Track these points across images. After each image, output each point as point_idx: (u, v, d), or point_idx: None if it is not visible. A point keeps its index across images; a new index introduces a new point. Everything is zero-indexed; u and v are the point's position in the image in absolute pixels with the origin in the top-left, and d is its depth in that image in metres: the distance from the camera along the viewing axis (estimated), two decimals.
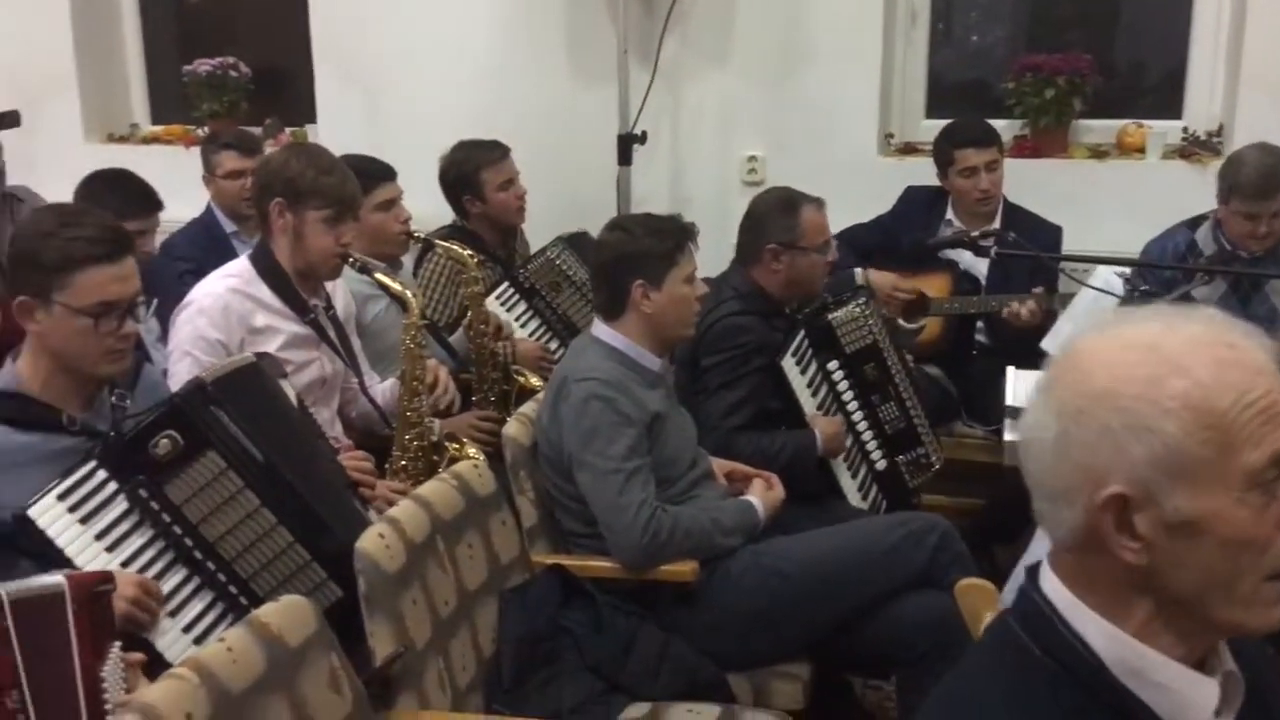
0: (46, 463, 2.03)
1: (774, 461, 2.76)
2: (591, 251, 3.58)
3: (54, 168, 4.28)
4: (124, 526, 2.06)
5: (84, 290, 2.01)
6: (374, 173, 3.15)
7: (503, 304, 3.55)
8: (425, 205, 3.65)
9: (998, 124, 3.88)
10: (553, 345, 3.59)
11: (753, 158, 4.27)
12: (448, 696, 2.05)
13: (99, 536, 2.03)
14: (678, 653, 2.33)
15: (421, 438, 2.75)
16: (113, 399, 2.18)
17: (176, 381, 2.48)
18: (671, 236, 2.60)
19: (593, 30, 4.22)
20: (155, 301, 2.59)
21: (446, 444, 2.79)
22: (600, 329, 2.59)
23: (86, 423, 2.11)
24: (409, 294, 2.78)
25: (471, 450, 2.80)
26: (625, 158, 4.06)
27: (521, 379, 3.31)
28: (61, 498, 2.02)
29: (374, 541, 1.98)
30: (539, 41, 4.37)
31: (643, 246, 2.57)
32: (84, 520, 2.03)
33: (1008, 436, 2.86)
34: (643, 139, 4.08)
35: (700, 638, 2.39)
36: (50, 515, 2.01)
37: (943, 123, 3.89)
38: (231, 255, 3.77)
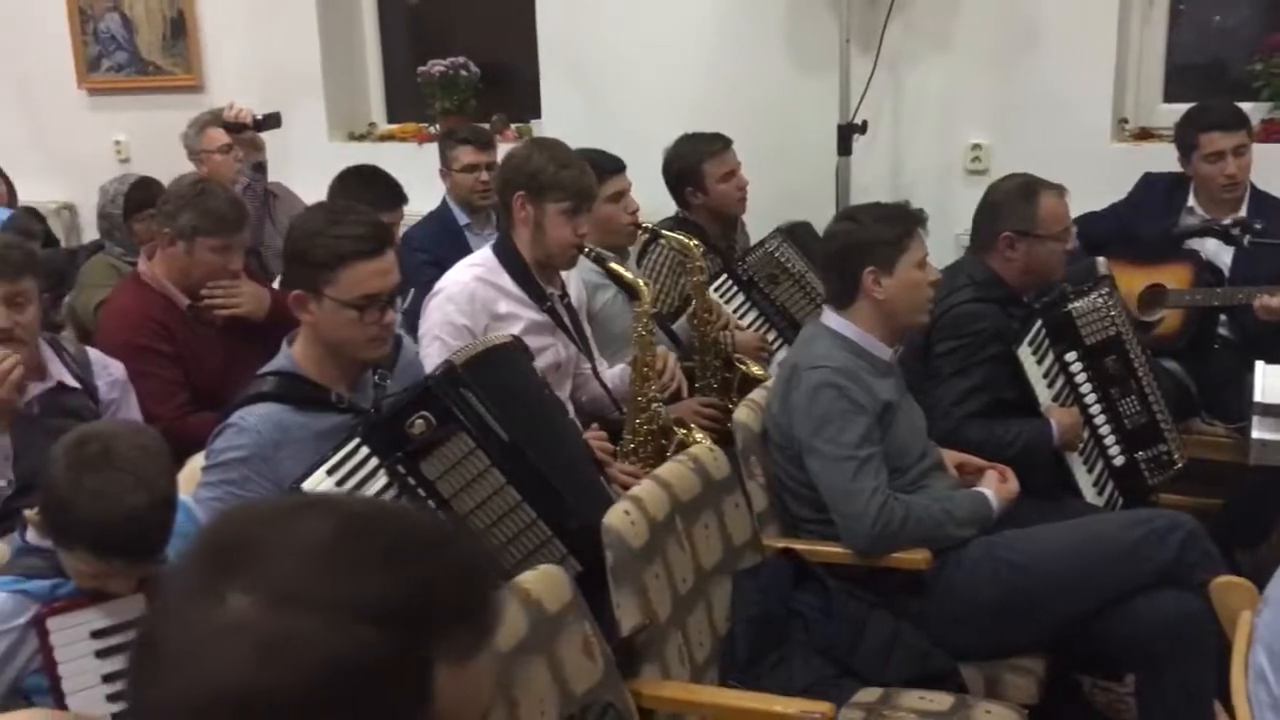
0: (319, 439, 2.20)
1: (1006, 450, 2.72)
2: (811, 242, 3.61)
3: (302, 164, 4.61)
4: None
5: (350, 284, 2.16)
6: (605, 165, 3.25)
7: (721, 296, 3.60)
8: (644, 198, 3.74)
9: (1243, 107, 3.69)
10: (770, 336, 3.63)
11: (977, 146, 4.19)
12: (686, 670, 2.12)
13: None
14: (909, 640, 2.34)
15: (651, 421, 2.84)
16: (375, 379, 2.34)
17: (427, 363, 2.64)
18: (901, 222, 2.60)
19: (814, 20, 4.23)
20: (412, 292, 2.74)
21: (675, 428, 2.86)
22: (831, 318, 2.61)
23: (352, 401, 2.27)
24: (641, 283, 2.87)
25: (699, 435, 2.87)
26: (845, 148, 4.05)
27: (743, 367, 3.36)
28: (330, 472, 2.17)
29: (620, 518, 2.07)
30: (759, 33, 4.40)
31: (872, 233, 2.58)
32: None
33: (1255, 434, 2.74)
34: (863, 128, 4.06)
35: (931, 626, 2.39)
36: (322, 488, 2.17)
37: (1181, 107, 3.72)
38: (465, 247, 3.96)
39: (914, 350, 2.87)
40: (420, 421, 2.21)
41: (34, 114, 5.85)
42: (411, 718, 0.78)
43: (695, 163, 3.71)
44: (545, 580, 1.82)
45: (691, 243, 3.31)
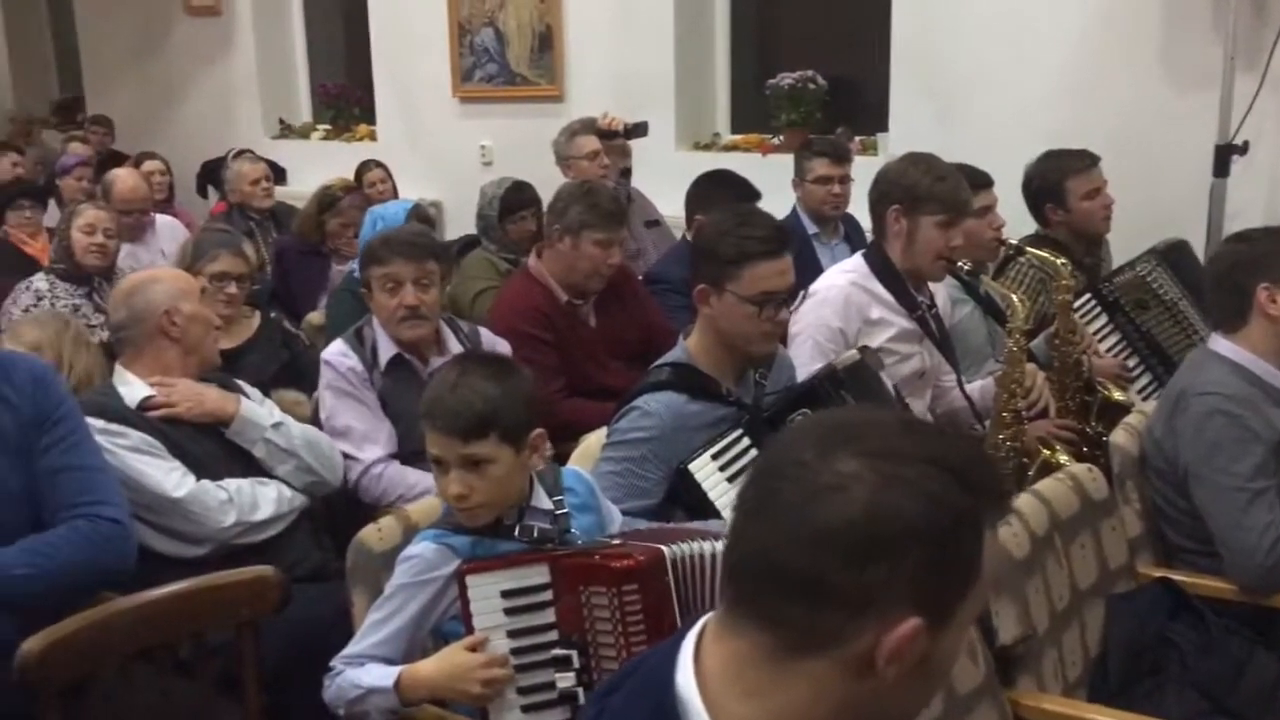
0: (709, 428, 2.35)
1: None
2: (1188, 265, 3.47)
3: (650, 171, 4.84)
4: None
5: (751, 281, 2.30)
6: (972, 180, 3.24)
7: (1082, 316, 3.51)
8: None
9: None
10: (1130, 363, 3.50)
11: None
12: (1059, 686, 2.12)
13: None
14: None
15: (1015, 438, 2.83)
16: (756, 376, 2.47)
17: (797, 362, 2.74)
18: None
19: (1194, 37, 4.06)
20: (803, 294, 2.86)
21: (1040, 448, 2.84)
22: (1220, 343, 2.51)
23: (737, 395, 2.41)
24: (1016, 299, 2.86)
25: (1063, 457, 2.83)
26: (1222, 169, 3.86)
27: (1104, 392, 3.26)
28: (715, 457, 2.33)
29: (1002, 528, 2.09)
30: (1134, 49, 4.27)
31: (1266, 249, 2.47)
32: (730, 479, 2.32)
33: None
34: (1244, 149, 3.86)
35: None
36: (705, 471, 2.32)
37: None
38: (812, 257, 4.05)
39: None
40: (800, 417, 2.32)
41: (414, 119, 6.46)
42: (973, 563, 0.98)
43: (1058, 179, 3.64)
44: None
45: (1059, 261, 3.25)
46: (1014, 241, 3.38)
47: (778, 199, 4.24)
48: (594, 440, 2.50)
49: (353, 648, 1.97)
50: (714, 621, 1.05)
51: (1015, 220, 3.74)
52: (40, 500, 2.10)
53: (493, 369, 1.98)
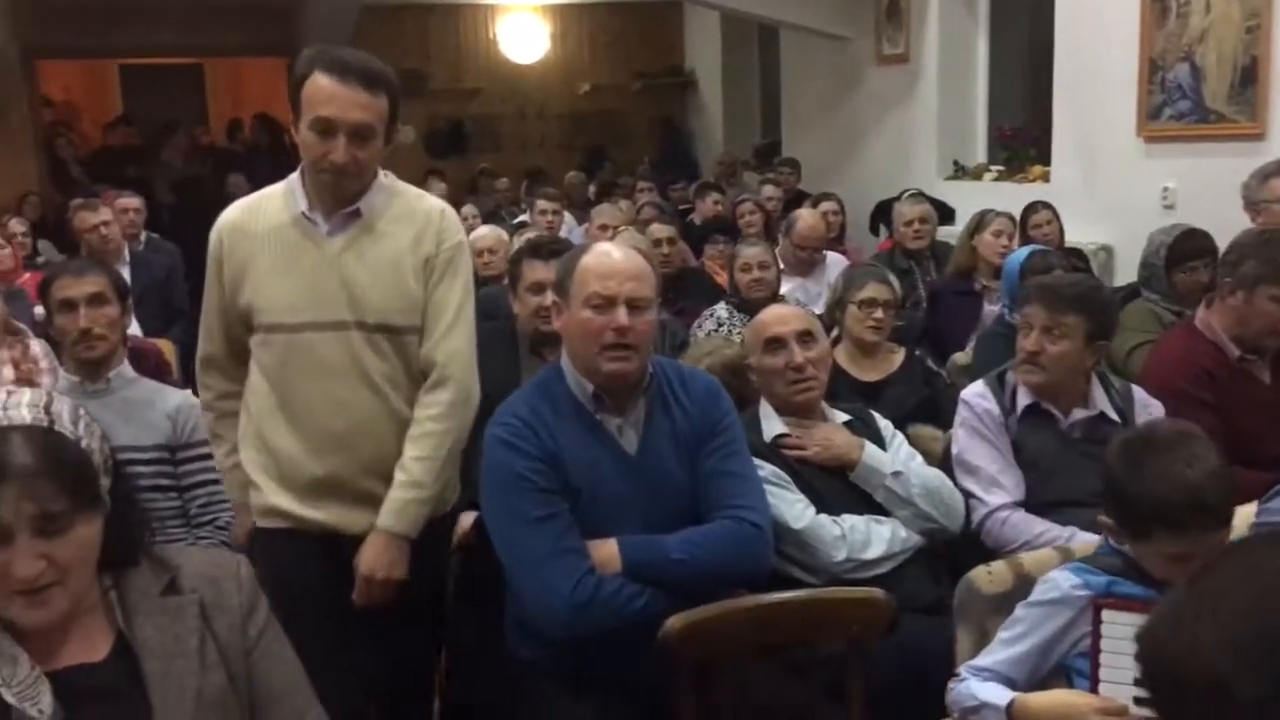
0: None
1: None
2: None
3: None
4: None
5: None
6: None
7: None
8: None
9: None
10: None
11: None
12: None
13: None
14: None
15: None
16: None
17: None
18: None
19: None
20: None
21: None
22: None
23: None
24: None
25: None
26: None
27: None
28: None
29: None
30: None
31: None
32: None
33: None
34: None
35: None
36: None
37: None
38: None
39: None
40: None
41: (1091, 160, 6.23)
42: None
43: None
44: None
45: None
46: None
47: None
48: (1245, 514, 2.25)
49: (981, 659, 2.01)
50: None
51: None
52: (697, 497, 2.37)
53: (1197, 442, 1.90)
